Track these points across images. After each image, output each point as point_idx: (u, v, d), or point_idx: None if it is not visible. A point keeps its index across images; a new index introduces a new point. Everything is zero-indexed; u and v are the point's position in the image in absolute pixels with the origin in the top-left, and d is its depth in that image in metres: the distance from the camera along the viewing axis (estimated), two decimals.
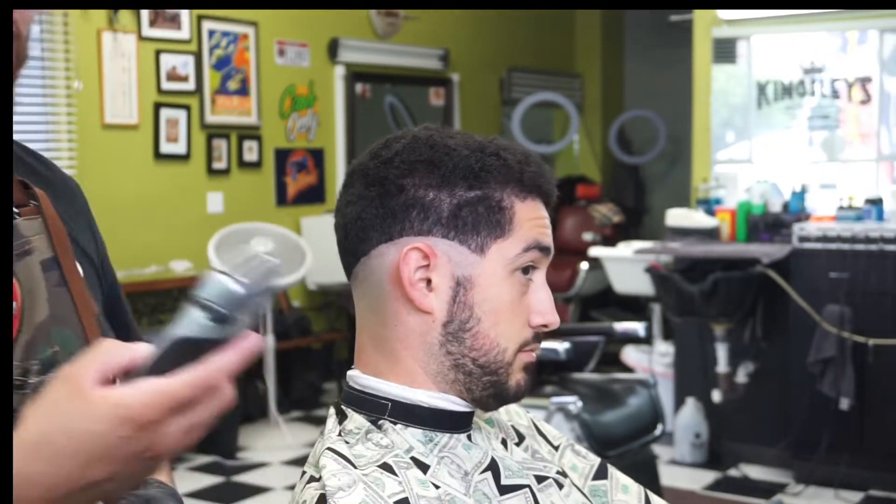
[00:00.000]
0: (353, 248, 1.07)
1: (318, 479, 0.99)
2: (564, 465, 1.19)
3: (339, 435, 1.04)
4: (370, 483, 0.97)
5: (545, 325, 1.07)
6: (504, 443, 1.12)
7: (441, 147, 1.05)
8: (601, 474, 1.21)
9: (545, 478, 1.10)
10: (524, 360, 1.07)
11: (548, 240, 1.08)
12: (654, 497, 1.22)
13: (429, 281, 1.04)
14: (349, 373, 1.10)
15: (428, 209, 1.03)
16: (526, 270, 1.06)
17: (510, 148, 1.08)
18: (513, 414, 1.20)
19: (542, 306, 1.07)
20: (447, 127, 1.11)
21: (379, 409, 1.05)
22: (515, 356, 1.06)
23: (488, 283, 1.04)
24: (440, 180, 1.03)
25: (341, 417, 1.07)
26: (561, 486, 1.11)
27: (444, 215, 1.03)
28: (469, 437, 1.08)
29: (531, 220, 1.07)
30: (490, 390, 1.06)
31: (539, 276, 1.08)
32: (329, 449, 1.01)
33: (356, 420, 1.05)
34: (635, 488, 1.22)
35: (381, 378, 1.07)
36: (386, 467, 0.99)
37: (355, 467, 0.99)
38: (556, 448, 1.21)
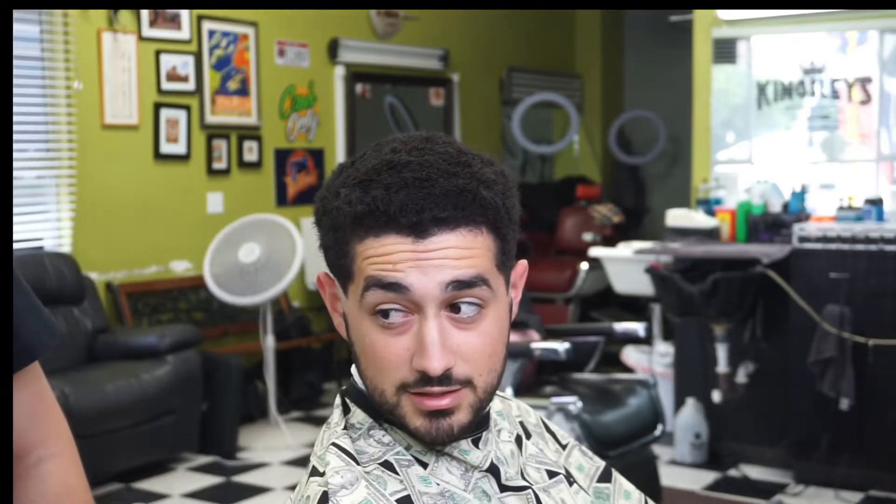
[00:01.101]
0: None
1: (322, 474, 1.00)
2: (571, 464, 1.19)
3: (345, 429, 1.04)
4: (372, 481, 0.97)
5: (422, 370, 0.97)
6: (519, 439, 1.12)
7: (326, 184, 1.05)
8: (605, 477, 1.20)
9: (556, 473, 1.11)
10: (415, 404, 0.99)
11: (395, 276, 0.96)
12: None
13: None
14: (352, 368, 1.10)
15: (322, 246, 1.05)
16: (385, 313, 0.98)
17: (357, 181, 0.99)
18: (522, 411, 1.19)
19: (419, 348, 0.97)
20: (405, 137, 1.05)
21: (377, 411, 1.05)
22: (399, 397, 0.99)
23: (353, 325, 1.02)
24: (318, 223, 1.04)
25: (346, 409, 1.07)
26: (571, 483, 1.12)
27: (325, 255, 1.04)
28: (475, 441, 1.05)
29: (370, 257, 0.97)
30: (399, 428, 1.03)
31: (422, 315, 0.97)
32: (334, 444, 1.02)
33: (358, 415, 1.05)
34: (636, 495, 1.21)
35: None
36: (387, 465, 1.00)
37: (358, 464, 0.99)
38: (565, 447, 1.20)
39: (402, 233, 0.96)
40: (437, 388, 0.97)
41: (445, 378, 0.97)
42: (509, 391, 3.39)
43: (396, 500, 0.96)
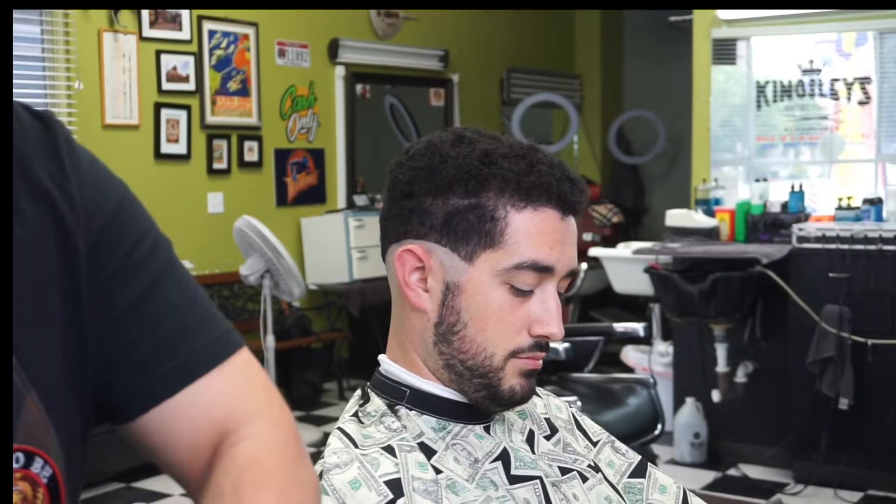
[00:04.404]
0: (381, 245, 1.14)
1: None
2: (601, 460, 1.21)
3: (355, 415, 1.09)
4: (365, 462, 1.01)
5: (546, 336, 1.08)
6: (531, 434, 1.15)
7: (443, 154, 1.07)
8: (639, 473, 1.23)
9: (569, 470, 1.13)
10: (520, 366, 1.08)
11: (550, 260, 1.05)
12: (694, 498, 1.24)
13: (427, 281, 1.08)
14: (380, 357, 1.15)
15: (425, 215, 1.07)
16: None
17: (517, 155, 1.06)
18: (552, 408, 1.23)
19: (545, 316, 1.07)
20: (486, 131, 1.11)
21: (398, 395, 1.10)
22: (506, 362, 1.07)
23: (475, 291, 1.06)
24: (436, 187, 1.06)
25: (365, 399, 1.12)
26: (585, 479, 1.14)
27: (438, 222, 1.06)
28: (487, 429, 1.11)
29: (531, 234, 1.05)
30: (482, 392, 1.08)
31: (547, 287, 1.08)
32: (338, 429, 1.07)
33: (375, 403, 1.10)
34: (674, 489, 1.23)
35: (399, 366, 1.12)
36: (388, 449, 1.04)
37: (356, 447, 1.04)
38: (595, 444, 1.24)
39: (556, 208, 1.06)
40: (542, 353, 1.09)
41: (547, 344, 1.09)
42: None
43: (385, 482, 1.00)
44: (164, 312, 0.85)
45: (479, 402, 1.09)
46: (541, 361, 1.09)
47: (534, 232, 1.05)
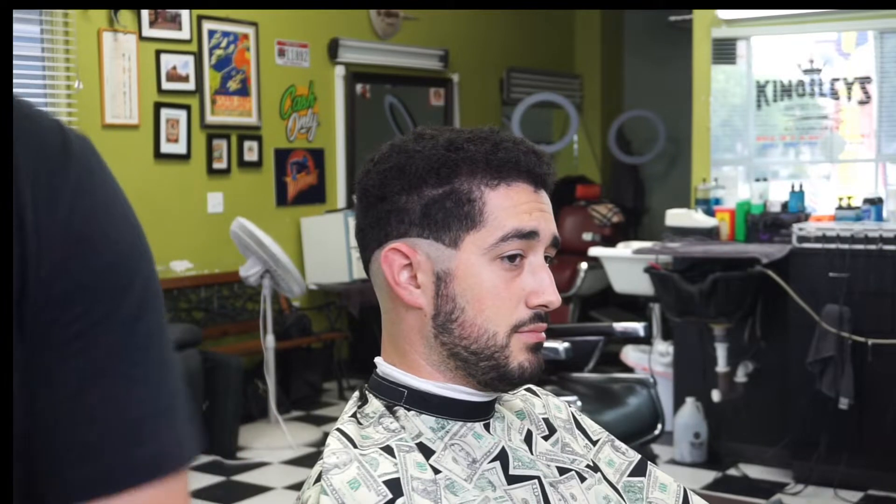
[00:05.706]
0: (362, 256, 1.15)
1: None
2: (601, 460, 1.21)
3: (353, 416, 1.10)
4: (364, 462, 1.02)
5: (544, 305, 1.09)
6: (529, 434, 1.15)
7: (409, 151, 1.09)
8: (639, 471, 1.23)
9: (567, 470, 1.14)
10: (525, 341, 1.09)
11: (531, 225, 1.08)
12: (694, 497, 1.24)
13: (416, 278, 1.10)
14: (376, 359, 1.16)
15: (402, 212, 1.09)
16: (513, 258, 1.08)
17: (480, 138, 1.09)
18: (551, 408, 1.24)
19: (540, 286, 1.09)
20: (440, 125, 1.14)
21: (396, 396, 1.11)
22: (510, 338, 1.08)
23: (466, 274, 1.08)
24: (409, 183, 1.08)
25: (363, 401, 1.13)
26: (583, 479, 1.14)
27: (416, 216, 1.08)
28: (487, 427, 1.11)
29: (509, 207, 1.08)
30: (492, 374, 1.09)
31: (535, 259, 1.10)
32: (337, 429, 1.08)
33: (374, 404, 1.11)
34: (674, 487, 1.23)
35: (396, 367, 1.12)
36: (387, 450, 1.04)
37: (355, 447, 1.04)
38: (595, 443, 1.24)
39: (528, 182, 1.10)
40: (544, 324, 1.10)
41: (547, 315, 1.11)
42: None
43: (384, 482, 1.00)
44: (105, 405, 0.69)
45: (490, 384, 1.10)
46: (544, 334, 1.11)
47: (510, 204, 1.08)
